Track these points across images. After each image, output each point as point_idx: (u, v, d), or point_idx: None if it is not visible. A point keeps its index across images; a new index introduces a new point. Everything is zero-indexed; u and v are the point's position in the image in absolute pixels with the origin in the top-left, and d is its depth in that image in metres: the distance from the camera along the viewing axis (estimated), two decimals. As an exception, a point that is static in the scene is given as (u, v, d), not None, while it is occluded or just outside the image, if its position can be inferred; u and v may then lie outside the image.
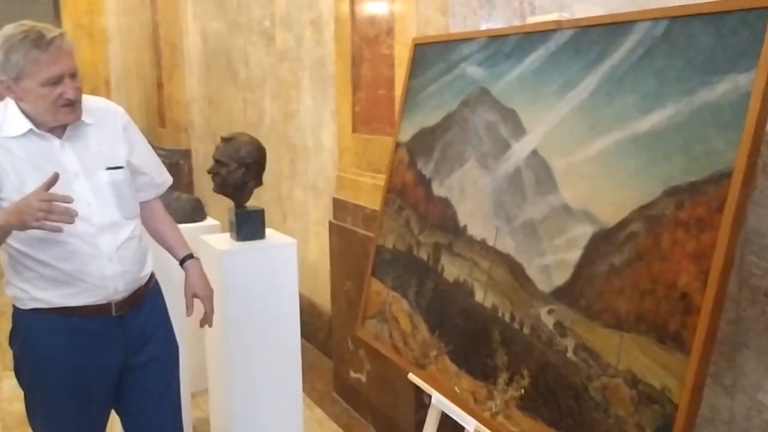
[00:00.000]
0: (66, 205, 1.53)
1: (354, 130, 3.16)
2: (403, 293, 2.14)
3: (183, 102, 5.95)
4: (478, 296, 1.81)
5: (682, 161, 1.33)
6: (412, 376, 2.00)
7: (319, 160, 3.84)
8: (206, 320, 2.03)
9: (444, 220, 2.00)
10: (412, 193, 2.16)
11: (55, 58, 1.64)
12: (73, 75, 1.69)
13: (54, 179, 1.56)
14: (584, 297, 1.49)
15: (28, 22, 1.66)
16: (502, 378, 1.69)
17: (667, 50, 1.41)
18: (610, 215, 1.46)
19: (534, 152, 1.69)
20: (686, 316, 1.27)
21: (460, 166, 1.96)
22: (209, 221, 3.44)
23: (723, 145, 1.27)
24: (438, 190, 2.04)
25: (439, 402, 1.87)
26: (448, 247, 1.96)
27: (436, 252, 2.01)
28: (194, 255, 2.03)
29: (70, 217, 1.54)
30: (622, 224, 1.43)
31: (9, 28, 1.65)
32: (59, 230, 1.55)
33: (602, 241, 1.47)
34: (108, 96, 7.78)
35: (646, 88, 1.43)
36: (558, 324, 1.55)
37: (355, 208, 3.12)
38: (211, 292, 2.02)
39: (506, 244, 1.74)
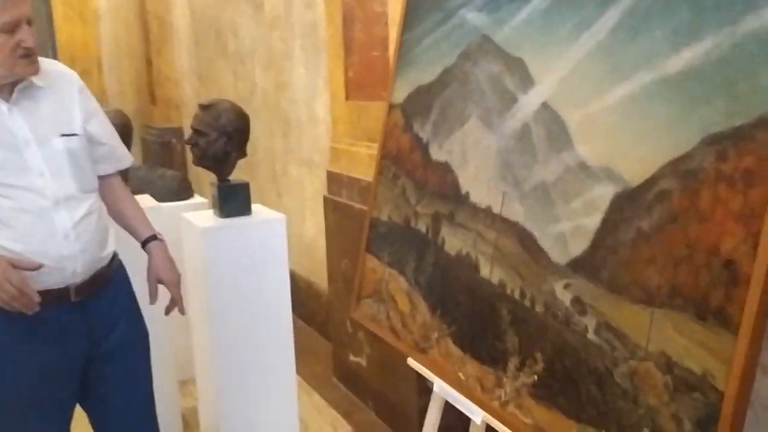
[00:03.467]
0: (34, 299, 1.49)
1: (348, 98, 2.94)
2: (400, 270, 1.93)
3: (173, 78, 5.72)
4: (484, 271, 1.61)
5: (723, 103, 1.12)
6: (411, 362, 1.81)
7: (313, 132, 3.62)
8: (171, 307, 1.83)
9: (444, 187, 1.79)
10: (408, 158, 1.95)
11: (10, 1, 1.46)
12: (29, 21, 1.52)
13: (36, 267, 1.51)
14: (607, 268, 1.28)
15: None
16: (513, 363, 1.48)
17: (703, -26, 1.18)
18: (636, 172, 1.24)
19: (545, 105, 1.47)
20: (732, 287, 1.06)
21: (460, 126, 1.75)
22: (197, 199, 3.24)
23: (775, 81, 1.05)
24: (437, 154, 1.83)
25: (442, 390, 1.68)
26: (449, 216, 1.75)
27: (436, 223, 1.80)
28: (159, 236, 1.81)
29: (32, 311, 1.49)
30: (651, 182, 1.21)
31: None
32: (16, 311, 1.50)
33: (627, 202, 1.26)
34: (100, 76, 7.56)
35: (677, 20, 1.21)
36: (576, 300, 1.34)
37: (351, 181, 2.92)
38: (177, 276, 1.81)
39: (515, 211, 1.53)
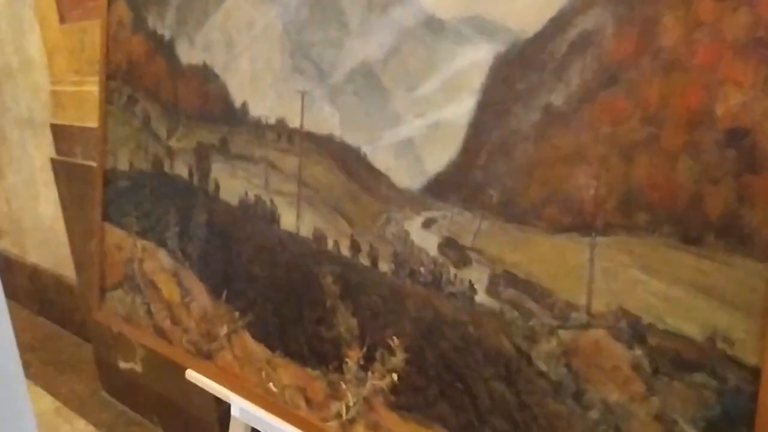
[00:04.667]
0: None
1: (62, 20, 2.15)
2: (158, 240, 1.28)
3: None
4: (286, 220, 1.02)
5: None
6: (192, 374, 1.19)
7: (30, 80, 2.74)
8: None
9: (207, 104, 1.16)
10: (146, 70, 1.28)
11: None
12: None
13: None
14: (496, 183, 0.76)
15: None
16: (354, 358, 0.93)
17: None
18: (528, 14, 0.72)
19: (351, -62, 0.90)
20: (747, 175, 0.59)
21: (218, 5, 1.12)
22: None
23: None
24: (188, 54, 1.19)
25: (243, 412, 1.08)
26: (221, 147, 1.13)
27: (202, 160, 1.17)
28: None
29: None
30: (558, 23, 0.70)
31: None
32: None
33: (519, 66, 0.74)
34: None
35: None
36: (448, 244, 0.81)
37: (84, 133, 2.16)
38: None
39: (324, 119, 0.95)
